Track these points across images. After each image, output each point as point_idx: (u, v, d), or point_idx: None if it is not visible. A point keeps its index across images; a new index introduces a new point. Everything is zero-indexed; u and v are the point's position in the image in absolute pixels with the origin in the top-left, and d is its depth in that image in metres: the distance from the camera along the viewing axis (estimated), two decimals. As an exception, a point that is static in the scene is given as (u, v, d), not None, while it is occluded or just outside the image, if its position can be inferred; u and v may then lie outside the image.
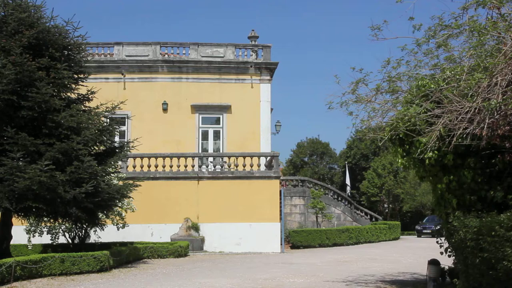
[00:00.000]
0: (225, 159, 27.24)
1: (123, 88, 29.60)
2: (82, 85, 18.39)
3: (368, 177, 51.99)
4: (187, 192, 25.78)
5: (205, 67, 30.42)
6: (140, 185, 19.45)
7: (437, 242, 12.25)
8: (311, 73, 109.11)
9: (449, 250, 11.29)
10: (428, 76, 11.07)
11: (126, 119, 27.27)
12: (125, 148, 19.32)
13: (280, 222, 26.39)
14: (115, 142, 20.18)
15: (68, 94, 17.92)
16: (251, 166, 26.45)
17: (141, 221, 24.10)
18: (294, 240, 28.87)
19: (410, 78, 11.63)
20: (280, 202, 27.26)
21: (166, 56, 30.90)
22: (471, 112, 9.04)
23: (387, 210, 53.10)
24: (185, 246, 22.71)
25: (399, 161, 11.54)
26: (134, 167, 26.15)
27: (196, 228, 25.42)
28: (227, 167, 26.80)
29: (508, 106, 8.78)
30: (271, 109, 31.67)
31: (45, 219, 18.51)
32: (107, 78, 29.30)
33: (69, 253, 16.50)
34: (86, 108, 18.33)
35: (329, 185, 40.24)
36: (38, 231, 20.05)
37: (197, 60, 30.40)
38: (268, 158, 27.19)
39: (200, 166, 26.76)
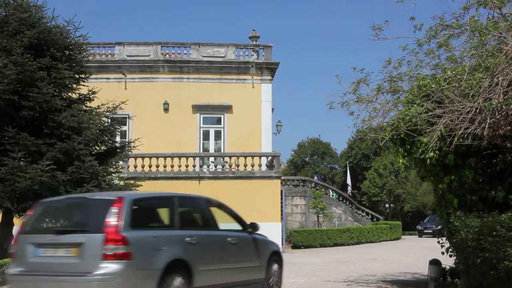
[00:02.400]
0: (226, 159, 27.25)
1: (124, 88, 29.60)
2: (83, 85, 18.36)
3: (369, 177, 51.98)
4: (188, 192, 25.73)
5: (206, 67, 30.42)
6: (141, 185, 19.43)
7: (438, 242, 12.25)
8: (312, 73, 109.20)
9: (450, 250, 11.28)
10: (429, 76, 11.06)
11: (127, 119, 27.23)
12: (126, 148, 19.31)
13: (281, 222, 26.39)
14: (116, 142, 20.15)
15: (69, 94, 17.90)
16: (252, 166, 26.44)
17: (142, 221, 24.06)
18: (295, 240, 28.88)
19: (411, 78, 11.62)
20: (281, 202, 27.26)
21: (167, 56, 30.91)
22: (472, 112, 9.03)
23: (388, 210, 53.08)
24: (186, 246, 22.67)
25: (400, 161, 11.53)
26: (135, 167, 26.15)
27: (197, 228, 25.38)
28: (228, 167, 26.80)
29: (509, 106, 8.77)
30: (272, 109, 31.67)
31: (46, 219, 18.51)
32: (108, 78, 29.29)
33: (70, 253, 16.50)
34: (87, 108, 18.31)
35: (327, 184, 40.23)
36: (39, 231, 20.05)
37: (198, 60, 30.40)
38: (269, 158, 27.18)
39: (201, 166, 26.75)
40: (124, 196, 8.19)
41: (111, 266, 7.42)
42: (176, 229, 8.68)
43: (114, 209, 7.75)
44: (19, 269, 8.05)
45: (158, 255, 7.91)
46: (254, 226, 10.82)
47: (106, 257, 7.44)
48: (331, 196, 36.14)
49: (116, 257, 7.45)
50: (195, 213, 9.99)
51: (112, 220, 7.64)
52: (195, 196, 10.85)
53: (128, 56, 30.12)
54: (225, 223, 10.41)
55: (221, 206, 10.74)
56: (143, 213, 8.47)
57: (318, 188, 35.23)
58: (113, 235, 7.52)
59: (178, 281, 8.07)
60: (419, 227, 41.44)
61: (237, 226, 10.56)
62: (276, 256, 11.11)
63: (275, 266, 10.95)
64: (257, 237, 10.74)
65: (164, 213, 8.98)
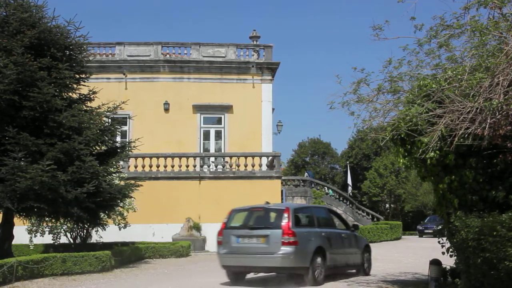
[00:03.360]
0: (227, 159, 27.26)
1: (125, 88, 29.62)
2: (83, 85, 18.40)
3: (370, 177, 51.94)
4: (188, 192, 25.79)
5: (207, 67, 30.42)
6: (141, 185, 19.46)
7: (438, 242, 12.23)
8: (312, 73, 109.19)
9: (450, 250, 11.27)
10: (429, 76, 11.04)
11: (128, 119, 27.27)
12: (127, 148, 19.33)
13: (281, 222, 26.36)
14: (117, 142, 20.19)
15: (70, 94, 17.93)
16: (253, 166, 26.45)
17: (142, 221, 24.10)
18: (296, 240, 28.82)
19: (411, 78, 11.59)
20: (282, 202, 27.26)
21: (168, 56, 30.92)
22: (472, 112, 9.02)
23: (388, 210, 53.06)
24: (186, 246, 22.71)
25: (401, 161, 11.51)
26: (135, 167, 26.16)
27: (197, 228, 25.42)
28: (229, 167, 26.81)
29: (510, 106, 8.77)
30: (273, 109, 31.67)
31: (47, 219, 18.51)
32: (109, 78, 29.30)
33: (70, 253, 16.52)
34: (88, 108, 18.34)
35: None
36: (39, 231, 20.05)
37: (199, 60, 30.41)
38: (270, 158, 27.20)
39: (201, 166, 26.77)
40: (289, 206, 13.12)
41: (287, 249, 12.15)
42: (316, 227, 13.46)
43: (285, 215, 12.53)
44: (225, 251, 12.99)
45: (309, 243, 12.60)
46: (355, 227, 15.86)
47: (283, 244, 12.16)
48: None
49: (289, 243, 12.15)
50: (323, 217, 14.50)
51: (285, 221, 12.39)
52: (322, 206, 16.97)
53: (128, 56, 30.13)
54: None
55: (334, 213, 16.05)
56: (299, 217, 13.17)
57: (318, 188, 35.21)
58: (287, 230, 12.26)
59: (319, 260, 12.70)
60: (419, 227, 41.38)
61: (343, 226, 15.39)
62: (367, 248, 15.73)
63: (367, 255, 15.46)
64: (356, 234, 15.59)
65: (308, 217, 13.72)
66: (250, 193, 25.75)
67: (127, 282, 14.26)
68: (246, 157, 26.79)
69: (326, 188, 36.80)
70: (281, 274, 13.33)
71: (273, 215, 13.11)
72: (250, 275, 14.00)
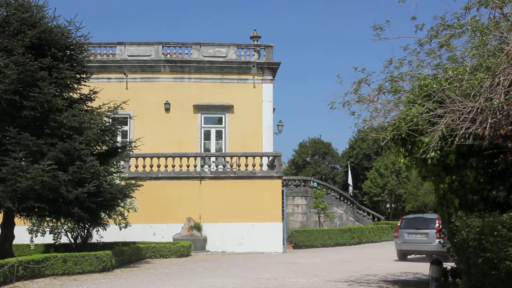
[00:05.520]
0: (227, 159, 27.25)
1: (126, 88, 29.62)
2: (84, 85, 18.40)
3: (371, 177, 51.83)
4: (189, 192, 25.79)
5: (207, 67, 30.41)
6: (142, 185, 19.46)
7: (439, 242, 12.23)
8: (313, 73, 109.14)
9: (451, 250, 11.27)
10: (430, 76, 11.04)
11: (129, 119, 27.29)
12: (128, 148, 19.33)
13: (282, 222, 26.37)
14: (118, 142, 20.18)
15: (71, 94, 17.93)
16: (253, 166, 26.45)
17: (143, 221, 24.12)
18: (296, 240, 28.87)
19: (412, 78, 11.60)
20: (282, 202, 27.25)
21: (168, 56, 30.91)
22: (473, 112, 9.02)
23: (389, 210, 52.99)
24: (187, 246, 22.72)
25: (402, 161, 11.52)
26: (136, 167, 26.16)
27: (198, 228, 25.42)
28: (229, 167, 26.80)
29: (511, 106, 8.76)
30: (273, 109, 31.65)
31: (48, 219, 18.52)
32: (110, 78, 29.31)
33: (71, 253, 16.53)
34: (89, 108, 18.35)
35: (330, 185, 40.17)
36: (40, 231, 20.06)
37: (199, 60, 30.40)
38: (270, 158, 27.18)
39: (202, 166, 26.75)
40: (438, 216, 17.44)
41: (439, 240, 18.71)
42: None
43: (437, 221, 19.40)
44: (400, 241, 21.10)
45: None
46: None
47: (437, 238, 19.24)
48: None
49: (440, 237, 18.25)
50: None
51: (437, 224, 19.25)
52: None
53: (129, 56, 30.13)
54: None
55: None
56: None
57: (319, 188, 35.20)
58: (438, 230, 18.12)
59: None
60: (420, 227, 41.27)
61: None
62: None
63: None
64: None
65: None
66: (251, 193, 25.76)
67: (128, 282, 14.26)
68: (247, 157, 26.78)
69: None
70: (433, 255, 18.94)
71: (429, 221, 20.79)
72: (411, 256, 21.76)
